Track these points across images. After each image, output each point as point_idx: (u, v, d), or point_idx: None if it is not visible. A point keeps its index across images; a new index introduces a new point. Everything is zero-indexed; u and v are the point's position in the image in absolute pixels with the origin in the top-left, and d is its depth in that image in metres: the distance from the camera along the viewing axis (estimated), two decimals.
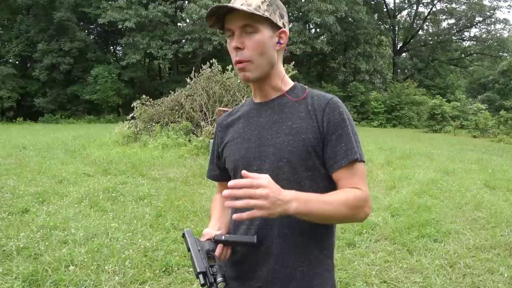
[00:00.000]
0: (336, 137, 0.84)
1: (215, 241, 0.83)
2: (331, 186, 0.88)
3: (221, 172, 1.01)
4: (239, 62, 0.84)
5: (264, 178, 0.71)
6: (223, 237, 0.83)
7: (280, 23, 0.86)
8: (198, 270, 0.76)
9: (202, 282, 0.75)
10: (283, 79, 0.91)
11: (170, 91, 9.98)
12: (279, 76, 0.91)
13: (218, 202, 1.02)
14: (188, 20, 22.55)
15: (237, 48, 0.83)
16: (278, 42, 0.87)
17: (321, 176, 0.86)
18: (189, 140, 8.20)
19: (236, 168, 0.91)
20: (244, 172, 0.73)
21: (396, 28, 32.68)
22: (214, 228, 0.92)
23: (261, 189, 0.69)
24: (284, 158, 0.84)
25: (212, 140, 6.99)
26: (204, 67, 9.21)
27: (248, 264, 0.89)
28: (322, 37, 25.50)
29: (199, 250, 0.81)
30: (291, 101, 0.90)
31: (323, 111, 0.86)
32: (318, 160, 0.85)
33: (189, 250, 0.82)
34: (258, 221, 0.86)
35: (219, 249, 0.84)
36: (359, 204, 0.81)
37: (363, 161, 0.86)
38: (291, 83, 0.94)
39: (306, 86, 0.93)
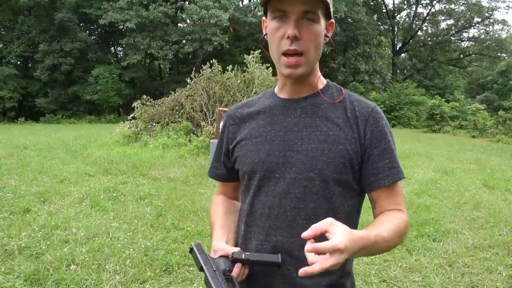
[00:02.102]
0: (379, 152, 0.74)
1: (234, 259, 0.71)
2: (359, 204, 0.80)
3: (228, 172, 0.88)
4: (292, 54, 0.71)
5: (339, 240, 0.57)
6: (243, 256, 0.70)
7: (331, 13, 0.74)
8: None
9: None
10: (319, 76, 0.80)
11: (171, 91, 10.01)
12: (317, 72, 0.80)
13: (221, 206, 0.89)
14: (188, 21, 22.56)
15: (294, 38, 0.69)
16: (326, 35, 0.76)
17: (351, 193, 0.76)
18: (190, 140, 8.22)
19: (253, 172, 0.78)
20: (317, 246, 0.57)
21: (396, 29, 32.69)
22: (221, 239, 0.78)
23: (337, 255, 0.57)
24: (316, 169, 0.73)
25: (210, 139, 7.04)
26: (204, 67, 9.23)
27: (261, 283, 0.76)
28: None
29: (214, 270, 0.67)
30: (326, 103, 0.77)
31: (366, 120, 0.75)
32: (353, 175, 0.75)
33: (201, 269, 0.68)
34: (275, 237, 0.75)
35: (237, 268, 0.71)
36: (406, 230, 0.74)
37: None
38: (324, 81, 0.82)
39: (341, 87, 0.82)
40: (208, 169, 0.95)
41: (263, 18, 0.78)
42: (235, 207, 0.89)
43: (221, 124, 0.92)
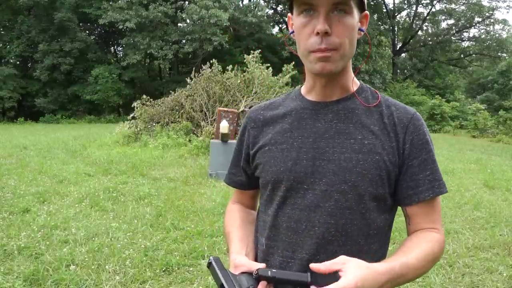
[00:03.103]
0: (419, 162, 0.68)
1: (258, 277, 0.63)
2: (392, 219, 0.74)
3: (248, 179, 0.81)
4: (323, 50, 0.63)
5: (348, 281, 0.54)
6: (269, 273, 0.63)
7: (365, 4, 0.67)
8: None
9: None
10: (353, 77, 0.72)
11: (171, 91, 10.01)
12: (350, 71, 0.72)
13: (238, 215, 0.82)
14: (188, 21, 22.54)
15: (325, 33, 0.62)
16: (360, 29, 0.69)
17: (385, 207, 0.70)
18: (189, 140, 8.22)
19: (278, 182, 0.71)
20: (312, 266, 0.58)
21: (396, 29, 32.67)
22: (241, 252, 0.72)
23: None
24: (349, 181, 0.66)
25: (210, 139, 7.02)
26: (204, 67, 9.24)
27: None
28: None
29: None
30: (360, 108, 0.70)
31: (405, 128, 0.68)
32: (389, 188, 0.68)
33: (221, 287, 0.62)
34: (301, 255, 0.69)
35: (261, 287, 0.63)
36: (441, 252, 0.69)
37: None
38: (358, 83, 0.74)
39: (376, 90, 0.75)
40: (225, 176, 0.87)
41: (289, 14, 0.72)
42: (253, 217, 0.83)
43: (239, 126, 0.84)
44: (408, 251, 0.66)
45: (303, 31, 0.65)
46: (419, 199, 0.68)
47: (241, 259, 0.69)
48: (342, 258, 0.59)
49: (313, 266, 0.59)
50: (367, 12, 0.69)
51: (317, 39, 0.63)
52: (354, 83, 0.73)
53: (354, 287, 0.54)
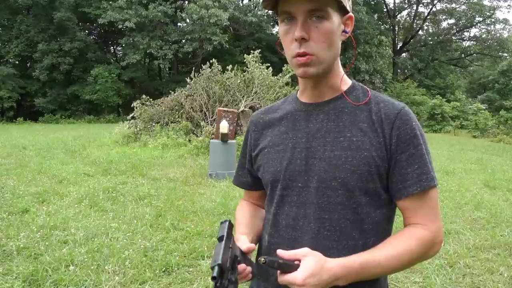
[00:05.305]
0: (407, 157, 0.69)
1: (265, 264, 0.65)
2: (390, 213, 0.75)
3: (254, 180, 0.86)
4: (302, 55, 0.67)
5: (297, 275, 0.61)
6: (275, 264, 0.65)
7: (348, 6, 0.70)
8: (218, 262, 0.62)
9: (215, 275, 0.60)
10: (342, 77, 0.75)
11: (170, 91, 10.00)
12: (338, 72, 0.75)
13: (247, 210, 0.87)
14: (188, 20, 22.54)
15: (302, 39, 0.66)
16: (344, 31, 0.71)
17: (380, 202, 0.71)
18: (189, 140, 8.21)
19: (275, 182, 0.75)
20: (279, 252, 0.64)
21: (396, 28, 32.68)
22: (248, 235, 0.76)
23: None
24: (339, 178, 0.69)
25: (210, 139, 7.00)
26: (204, 67, 9.23)
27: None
28: None
29: (230, 247, 0.66)
30: (350, 106, 0.73)
31: (392, 123, 0.69)
32: (380, 183, 0.70)
33: (220, 239, 0.67)
34: (300, 246, 0.70)
35: (244, 265, 0.68)
36: (423, 250, 0.69)
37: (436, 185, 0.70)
38: (349, 82, 0.77)
39: (367, 88, 0.76)
40: (234, 177, 0.93)
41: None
42: (261, 213, 0.86)
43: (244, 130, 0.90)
44: (383, 246, 0.68)
45: (285, 38, 0.70)
46: (407, 193, 0.69)
47: (243, 238, 0.74)
48: (304, 250, 0.64)
49: (279, 252, 0.65)
50: (351, 14, 0.72)
51: (296, 45, 0.67)
52: (345, 83, 0.76)
53: (300, 281, 0.61)
